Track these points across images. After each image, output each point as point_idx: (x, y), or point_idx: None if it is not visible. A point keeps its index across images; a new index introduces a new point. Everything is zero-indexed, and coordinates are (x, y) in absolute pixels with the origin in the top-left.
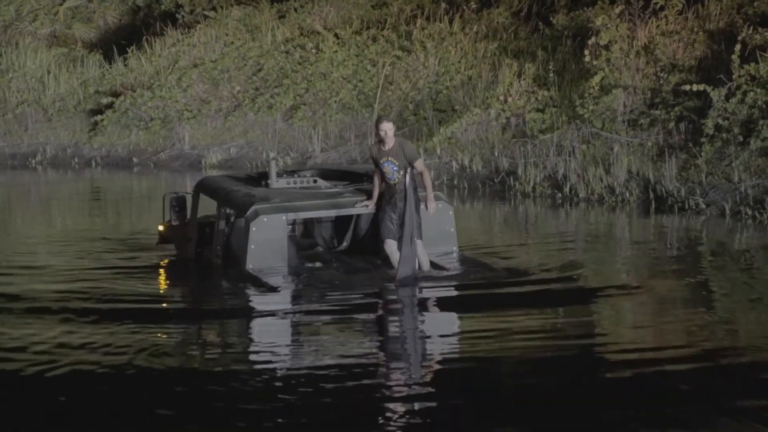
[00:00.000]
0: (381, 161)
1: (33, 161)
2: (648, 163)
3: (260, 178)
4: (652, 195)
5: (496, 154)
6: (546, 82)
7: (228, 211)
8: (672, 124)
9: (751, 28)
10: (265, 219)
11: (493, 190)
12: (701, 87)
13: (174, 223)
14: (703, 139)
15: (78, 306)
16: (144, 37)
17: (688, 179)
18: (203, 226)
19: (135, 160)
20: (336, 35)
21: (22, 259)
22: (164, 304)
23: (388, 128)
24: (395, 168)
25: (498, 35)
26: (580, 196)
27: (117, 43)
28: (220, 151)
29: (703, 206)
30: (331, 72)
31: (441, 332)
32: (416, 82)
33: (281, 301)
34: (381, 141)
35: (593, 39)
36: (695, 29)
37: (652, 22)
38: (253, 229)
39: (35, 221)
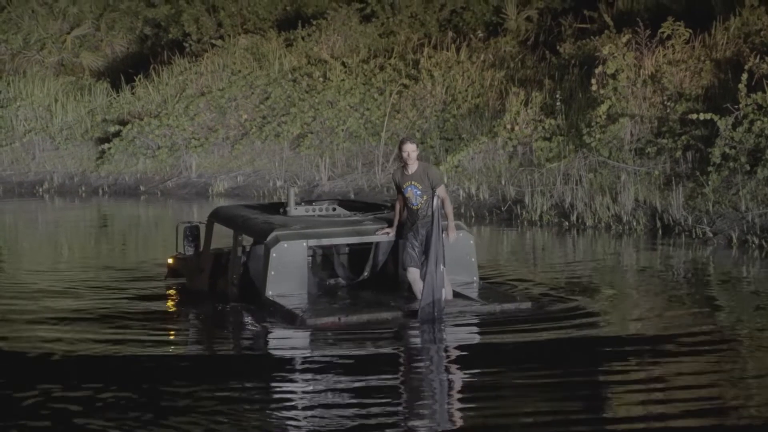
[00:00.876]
0: (404, 186)
1: (40, 189)
2: (655, 191)
3: (276, 207)
4: (659, 223)
5: (503, 182)
6: (553, 111)
7: (242, 238)
8: (679, 153)
9: (758, 57)
10: (286, 245)
11: (500, 218)
12: (708, 116)
13: (187, 254)
14: (710, 168)
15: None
16: (151, 66)
17: (695, 208)
18: (217, 257)
19: (142, 188)
20: (343, 63)
21: (28, 287)
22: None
23: (411, 149)
24: (418, 193)
25: (505, 64)
26: (587, 224)
27: (124, 71)
28: (227, 179)
29: (711, 235)
30: (338, 100)
31: (462, 363)
32: (423, 110)
33: (299, 333)
34: (404, 165)
35: (600, 68)
36: (702, 58)
37: (659, 51)
38: (274, 255)
39: (42, 249)
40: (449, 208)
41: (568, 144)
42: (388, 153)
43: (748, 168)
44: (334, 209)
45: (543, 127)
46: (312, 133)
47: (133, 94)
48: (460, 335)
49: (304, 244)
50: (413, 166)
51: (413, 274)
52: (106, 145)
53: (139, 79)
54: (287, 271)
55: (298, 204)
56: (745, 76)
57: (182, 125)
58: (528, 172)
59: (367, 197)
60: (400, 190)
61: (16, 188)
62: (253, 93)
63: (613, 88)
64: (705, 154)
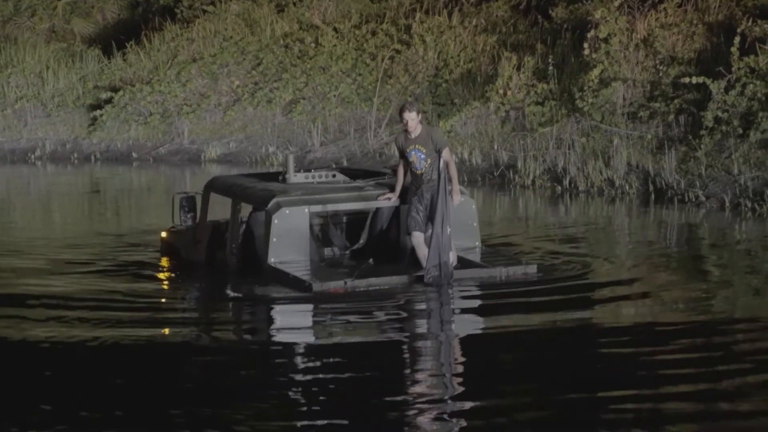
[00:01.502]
0: (408, 150)
1: (32, 156)
2: (647, 155)
3: (274, 175)
4: (651, 187)
5: (496, 147)
6: (545, 76)
7: (240, 207)
8: (671, 117)
9: (751, 20)
10: (288, 211)
11: (492, 183)
12: (701, 79)
13: (184, 225)
14: (702, 132)
15: (77, 300)
16: (143, 32)
17: (687, 172)
18: (214, 228)
19: (134, 154)
20: (335, 29)
21: (20, 256)
22: (176, 299)
23: (410, 118)
24: (422, 156)
25: (497, 28)
26: (580, 188)
27: (116, 38)
28: (219, 145)
29: (703, 199)
30: (330, 66)
31: (470, 328)
32: (415, 75)
33: (305, 299)
34: (407, 129)
35: (592, 32)
36: (694, 22)
37: (651, 15)
38: (275, 221)
39: (35, 216)
40: (454, 171)
41: (560, 108)
42: (380, 118)
43: (741, 131)
44: (334, 176)
45: (535, 92)
46: (304, 98)
47: (124, 60)
48: (468, 299)
49: (306, 210)
50: (417, 130)
51: (417, 238)
52: (98, 112)
53: (131, 45)
54: (289, 237)
55: (297, 171)
56: (737, 39)
57: (174, 92)
58: (520, 136)
59: (360, 163)
60: (403, 154)
61: (8, 155)
62: (244, 59)
63: (606, 52)
64: (697, 118)
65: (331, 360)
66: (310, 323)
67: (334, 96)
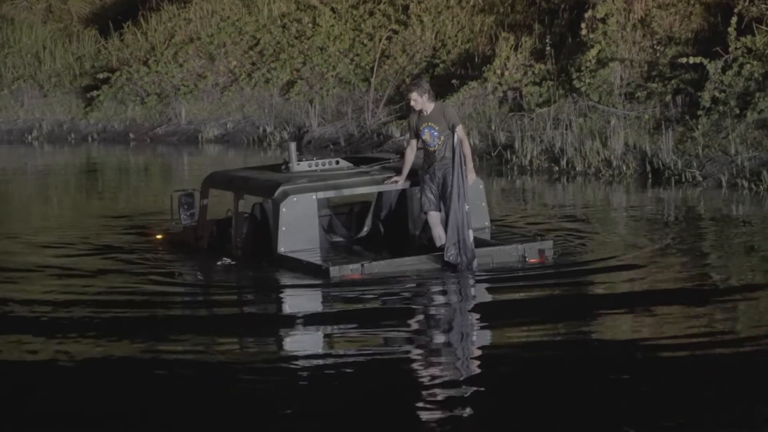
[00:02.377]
0: (421, 128)
1: (29, 137)
2: (645, 136)
3: (274, 167)
4: (648, 168)
5: (493, 127)
6: (543, 56)
7: (243, 200)
8: (669, 97)
9: (748, 0)
10: (296, 199)
11: (489, 163)
12: (698, 60)
13: (183, 223)
14: (699, 112)
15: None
16: (140, 12)
17: (684, 152)
18: (213, 224)
19: (131, 135)
20: (332, 9)
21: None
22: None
23: (413, 98)
24: (436, 134)
25: (495, 8)
26: (577, 169)
27: (113, 18)
28: (216, 126)
29: (700, 179)
30: (327, 46)
31: (488, 311)
32: (413, 55)
33: (322, 285)
34: (420, 109)
35: (590, 12)
36: (692, 1)
37: None
38: (284, 210)
39: (33, 198)
40: (467, 149)
41: (558, 89)
42: (378, 99)
43: (738, 111)
44: (338, 162)
45: (533, 72)
46: (302, 79)
47: (121, 41)
48: (489, 281)
49: (314, 197)
50: (429, 107)
51: (433, 217)
52: (94, 93)
53: (128, 25)
54: (298, 225)
55: (299, 160)
56: (734, 19)
57: (171, 72)
58: (518, 117)
59: (358, 143)
60: (416, 133)
61: (5, 136)
62: (242, 39)
63: (603, 33)
64: (695, 98)
65: (348, 352)
66: (325, 309)
67: (332, 76)
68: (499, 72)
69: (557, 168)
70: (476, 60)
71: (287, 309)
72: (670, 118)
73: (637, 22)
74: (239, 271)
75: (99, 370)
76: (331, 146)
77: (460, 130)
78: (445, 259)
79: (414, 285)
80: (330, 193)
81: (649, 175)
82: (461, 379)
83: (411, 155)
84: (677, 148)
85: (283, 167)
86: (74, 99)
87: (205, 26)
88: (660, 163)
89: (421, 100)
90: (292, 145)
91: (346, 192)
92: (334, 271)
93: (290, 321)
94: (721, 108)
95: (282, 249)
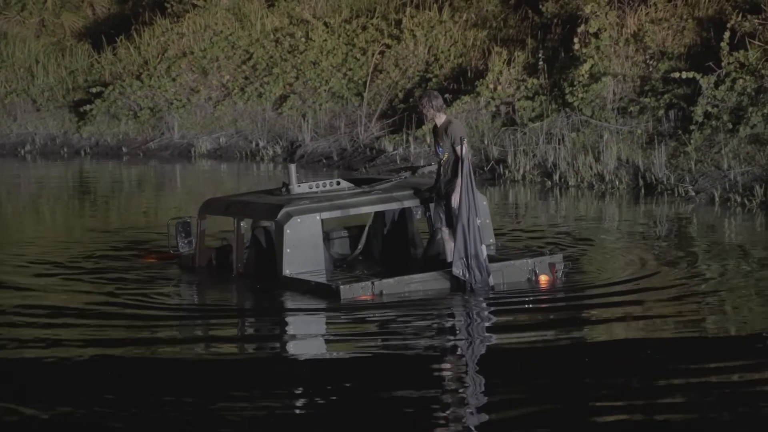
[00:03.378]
0: (434, 141)
1: (22, 151)
2: (637, 150)
3: (272, 191)
4: (641, 182)
5: (486, 142)
6: (536, 70)
7: (243, 225)
8: (661, 112)
9: (740, 15)
10: (299, 220)
11: (483, 178)
12: (691, 74)
13: (181, 251)
14: (692, 127)
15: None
16: (133, 27)
17: (677, 166)
18: (212, 251)
19: (124, 149)
20: (325, 24)
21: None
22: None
23: (422, 107)
24: (441, 150)
25: (488, 23)
26: (570, 183)
27: (106, 32)
28: (209, 140)
29: (693, 193)
30: (320, 60)
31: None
32: (406, 70)
33: (331, 305)
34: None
35: (582, 27)
36: (684, 16)
37: (641, 10)
38: (288, 231)
39: (27, 214)
40: (465, 169)
41: (550, 103)
42: (370, 113)
43: (731, 126)
44: (338, 183)
45: (525, 87)
46: (294, 93)
47: (114, 55)
48: (500, 297)
49: (318, 217)
50: (440, 120)
51: (443, 233)
52: (87, 107)
53: (121, 40)
54: (303, 247)
55: (299, 182)
56: (727, 34)
57: (164, 86)
58: (511, 131)
59: (350, 157)
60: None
61: None
62: (235, 53)
63: (596, 47)
64: (687, 113)
65: (357, 367)
66: (333, 330)
67: (325, 90)
68: (491, 86)
69: (550, 182)
70: (469, 74)
71: (300, 330)
72: (662, 133)
73: (630, 37)
74: (244, 294)
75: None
76: (324, 161)
77: (461, 147)
78: (454, 272)
79: (425, 304)
80: (334, 213)
81: (642, 190)
82: (475, 400)
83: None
84: (670, 162)
85: (283, 189)
86: (67, 113)
87: (198, 41)
88: (653, 177)
89: (429, 111)
90: (292, 167)
91: (351, 212)
92: (345, 291)
93: (301, 343)
94: (713, 123)
95: (287, 271)
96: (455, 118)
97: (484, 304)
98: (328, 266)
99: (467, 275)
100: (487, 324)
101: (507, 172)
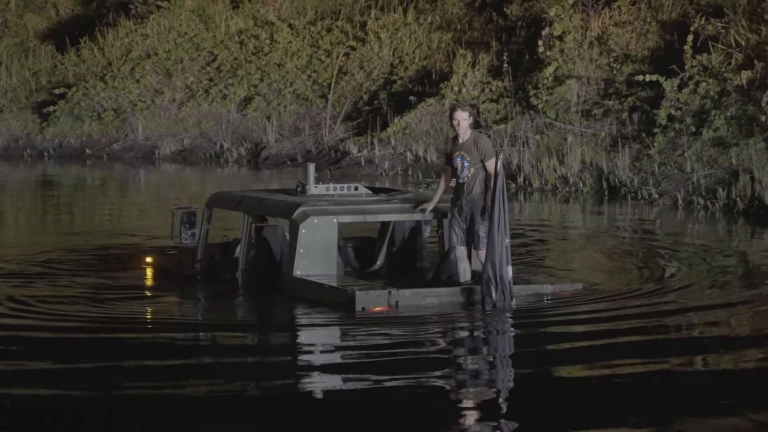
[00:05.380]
0: (453, 156)
1: None
2: (601, 153)
3: (286, 191)
4: (605, 185)
5: None
6: (500, 73)
7: (252, 221)
8: (625, 115)
9: (704, 18)
10: (316, 221)
11: None
12: (654, 77)
13: (183, 243)
14: (655, 130)
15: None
16: (97, 28)
17: (641, 169)
18: (214, 246)
19: (88, 151)
20: (290, 25)
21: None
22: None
23: (462, 118)
24: (467, 165)
25: (452, 26)
26: (534, 186)
27: (69, 33)
28: (173, 142)
29: (656, 196)
30: (285, 62)
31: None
32: (371, 72)
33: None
34: (456, 134)
35: (547, 30)
36: (648, 20)
37: (605, 13)
38: (303, 231)
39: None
40: (499, 185)
41: (515, 106)
42: (335, 115)
43: (694, 129)
44: (356, 188)
45: (490, 89)
46: (259, 95)
47: (78, 56)
48: (523, 318)
49: (335, 220)
50: (465, 135)
51: (460, 252)
52: (51, 108)
53: (84, 41)
54: (317, 248)
55: (317, 183)
56: (690, 37)
57: (128, 88)
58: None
59: (315, 159)
60: (449, 160)
61: None
62: (199, 55)
63: (560, 50)
64: (651, 116)
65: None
66: (346, 339)
67: (289, 92)
68: (456, 89)
69: (514, 185)
70: (434, 77)
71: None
72: (626, 136)
73: (594, 40)
74: (252, 298)
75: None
76: (289, 163)
77: (491, 165)
78: (482, 294)
79: (442, 319)
80: (351, 218)
81: (606, 192)
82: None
83: (443, 184)
84: (633, 165)
85: (299, 189)
86: (30, 115)
87: (163, 42)
88: (616, 180)
89: (467, 121)
90: (311, 166)
91: (369, 218)
92: (360, 297)
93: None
94: (677, 126)
95: (298, 272)
96: (480, 132)
97: (500, 321)
98: (340, 272)
99: (492, 296)
100: (508, 343)
101: None
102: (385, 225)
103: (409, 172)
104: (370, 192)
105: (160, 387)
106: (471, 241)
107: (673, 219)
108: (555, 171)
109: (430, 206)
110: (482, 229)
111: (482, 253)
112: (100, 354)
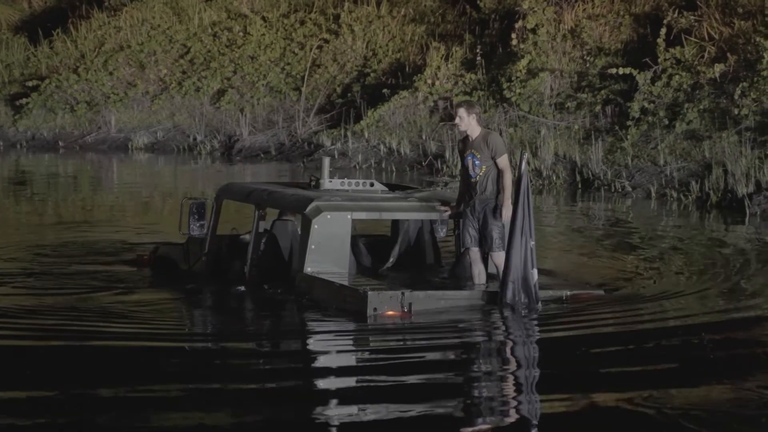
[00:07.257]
0: (465, 155)
1: None
2: (575, 146)
3: (300, 184)
4: (578, 178)
5: (424, 137)
6: (473, 66)
7: (264, 214)
8: (598, 108)
9: (677, 11)
10: (329, 216)
11: (421, 173)
12: (627, 70)
13: (192, 234)
14: (629, 122)
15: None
16: (70, 20)
17: (614, 162)
18: (221, 239)
19: (61, 143)
20: (263, 18)
21: None
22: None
23: (460, 113)
24: (477, 163)
25: (426, 18)
26: None
27: (42, 25)
28: (146, 134)
29: (629, 189)
30: (258, 55)
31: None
32: (344, 65)
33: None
34: (467, 134)
35: (520, 22)
36: (621, 13)
37: (578, 6)
38: (316, 226)
39: None
40: (508, 182)
41: (488, 99)
42: (308, 108)
43: (667, 122)
44: (372, 184)
45: (463, 82)
46: (232, 87)
47: (51, 48)
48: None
49: (349, 216)
50: (474, 133)
51: (473, 254)
52: (24, 100)
53: (57, 33)
54: (329, 245)
55: (331, 178)
56: (663, 30)
57: (101, 80)
58: (449, 127)
59: (288, 152)
60: (462, 159)
61: None
62: (172, 47)
63: (533, 43)
64: (624, 109)
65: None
66: (358, 341)
67: (263, 85)
68: (429, 82)
69: None
70: (407, 69)
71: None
72: (599, 129)
73: (567, 33)
74: (261, 296)
75: None
76: (262, 155)
77: (502, 162)
78: (504, 299)
79: (455, 323)
80: (366, 215)
81: (579, 185)
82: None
83: (463, 184)
84: (607, 158)
85: (312, 183)
86: (2, 107)
87: (136, 34)
88: (590, 173)
89: (467, 119)
90: (326, 160)
91: (384, 216)
92: (373, 298)
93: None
94: (650, 118)
95: (309, 269)
96: (489, 129)
97: (520, 324)
98: (352, 270)
99: (515, 299)
100: (528, 348)
101: (445, 167)
102: (398, 223)
103: (383, 165)
104: (386, 188)
105: (167, 390)
106: (484, 242)
107: (647, 211)
108: (528, 164)
109: (456, 209)
110: (495, 231)
111: (495, 255)
112: (101, 356)
